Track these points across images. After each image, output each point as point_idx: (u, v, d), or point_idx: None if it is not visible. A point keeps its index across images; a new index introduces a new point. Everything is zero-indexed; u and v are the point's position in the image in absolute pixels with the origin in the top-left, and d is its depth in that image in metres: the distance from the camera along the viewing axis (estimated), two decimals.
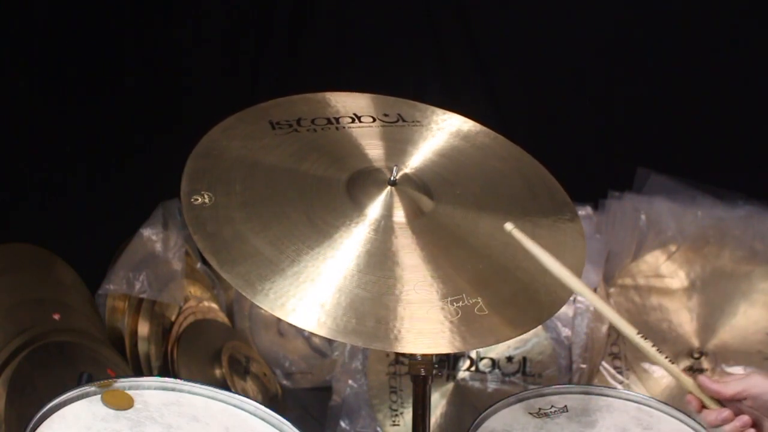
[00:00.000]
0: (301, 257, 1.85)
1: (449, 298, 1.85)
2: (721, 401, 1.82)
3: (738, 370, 3.27)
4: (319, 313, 1.79)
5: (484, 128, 2.20)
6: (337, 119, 2.12)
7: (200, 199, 1.90)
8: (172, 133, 2.53)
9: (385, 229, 1.92)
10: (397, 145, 2.10)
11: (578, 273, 1.94)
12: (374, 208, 1.95)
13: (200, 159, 1.97)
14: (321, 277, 1.83)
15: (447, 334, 1.81)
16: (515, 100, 3.59)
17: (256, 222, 1.89)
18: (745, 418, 1.80)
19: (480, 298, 1.86)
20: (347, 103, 2.17)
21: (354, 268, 1.85)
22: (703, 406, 1.83)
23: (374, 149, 2.07)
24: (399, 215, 1.95)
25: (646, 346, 1.82)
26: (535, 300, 1.92)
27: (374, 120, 2.14)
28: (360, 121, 2.13)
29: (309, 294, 1.81)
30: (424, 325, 1.81)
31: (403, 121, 2.16)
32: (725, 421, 1.80)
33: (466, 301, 1.85)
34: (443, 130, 2.17)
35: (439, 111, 2.21)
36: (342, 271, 1.85)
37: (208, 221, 1.87)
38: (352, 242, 1.89)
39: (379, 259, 1.87)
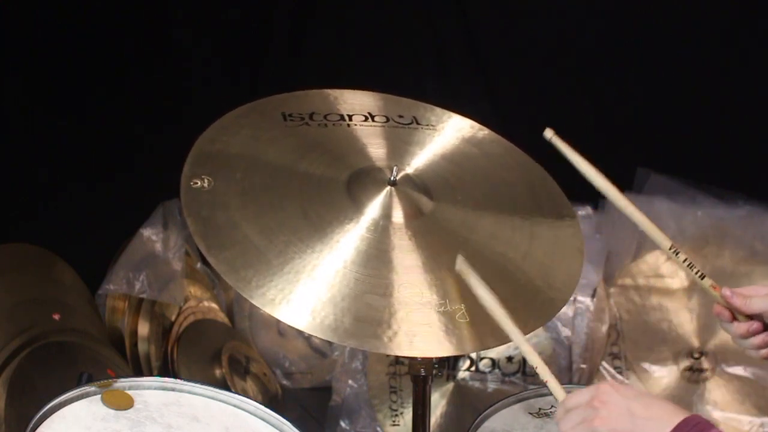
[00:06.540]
0: (290, 249, 1.84)
1: (433, 303, 1.84)
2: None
3: (738, 370, 3.27)
4: (297, 306, 1.79)
5: (498, 137, 2.18)
6: (350, 116, 2.11)
7: (199, 183, 1.90)
8: (173, 134, 2.53)
9: (379, 228, 1.91)
10: (406, 147, 2.09)
11: (572, 286, 1.95)
12: (372, 207, 1.94)
13: (206, 144, 1.97)
14: (306, 271, 1.83)
15: (424, 338, 1.80)
16: (515, 100, 3.59)
17: (251, 210, 1.88)
18: None
19: (464, 304, 1.85)
20: (364, 101, 2.15)
21: (340, 264, 1.85)
22: (734, 318, 1.85)
23: (380, 149, 2.06)
24: (397, 215, 1.94)
25: (679, 260, 1.84)
26: (519, 313, 1.90)
27: (388, 120, 2.13)
28: (373, 121, 2.11)
29: (291, 285, 1.81)
30: (401, 327, 1.80)
31: (417, 123, 2.15)
32: (755, 333, 1.83)
33: (448, 307, 1.84)
34: (456, 136, 2.15)
35: (456, 116, 2.19)
36: (327, 266, 1.84)
37: (204, 205, 1.87)
38: (343, 239, 1.88)
39: (368, 257, 1.87)
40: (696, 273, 1.85)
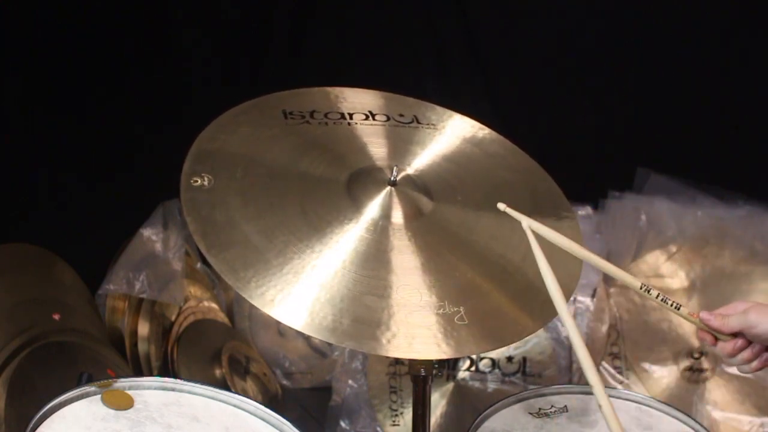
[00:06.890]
0: (289, 249, 1.84)
1: (431, 305, 1.84)
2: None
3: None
4: (296, 306, 1.79)
5: (500, 137, 2.18)
6: (350, 115, 2.11)
7: (199, 181, 1.90)
8: (173, 134, 2.53)
9: (378, 228, 1.91)
10: (407, 147, 2.08)
11: (572, 286, 1.95)
12: (371, 207, 1.94)
13: (207, 141, 1.97)
14: (305, 271, 1.83)
15: (422, 339, 1.80)
16: (515, 100, 3.59)
17: (251, 209, 1.88)
18: (758, 346, 1.87)
19: (462, 307, 1.84)
20: (364, 100, 2.16)
21: (339, 265, 1.85)
22: (716, 339, 1.89)
23: (381, 148, 2.06)
24: (396, 216, 1.94)
25: (652, 296, 1.87)
26: (518, 316, 1.90)
27: (388, 119, 2.12)
28: (374, 119, 2.11)
29: (290, 286, 1.81)
30: (400, 329, 1.80)
31: (418, 122, 2.15)
32: (741, 349, 1.87)
33: (447, 309, 1.84)
34: (457, 135, 2.15)
35: (457, 115, 2.19)
36: (327, 267, 1.84)
37: (204, 204, 1.87)
38: (342, 239, 1.88)
39: (367, 258, 1.87)
40: (671, 305, 1.88)
